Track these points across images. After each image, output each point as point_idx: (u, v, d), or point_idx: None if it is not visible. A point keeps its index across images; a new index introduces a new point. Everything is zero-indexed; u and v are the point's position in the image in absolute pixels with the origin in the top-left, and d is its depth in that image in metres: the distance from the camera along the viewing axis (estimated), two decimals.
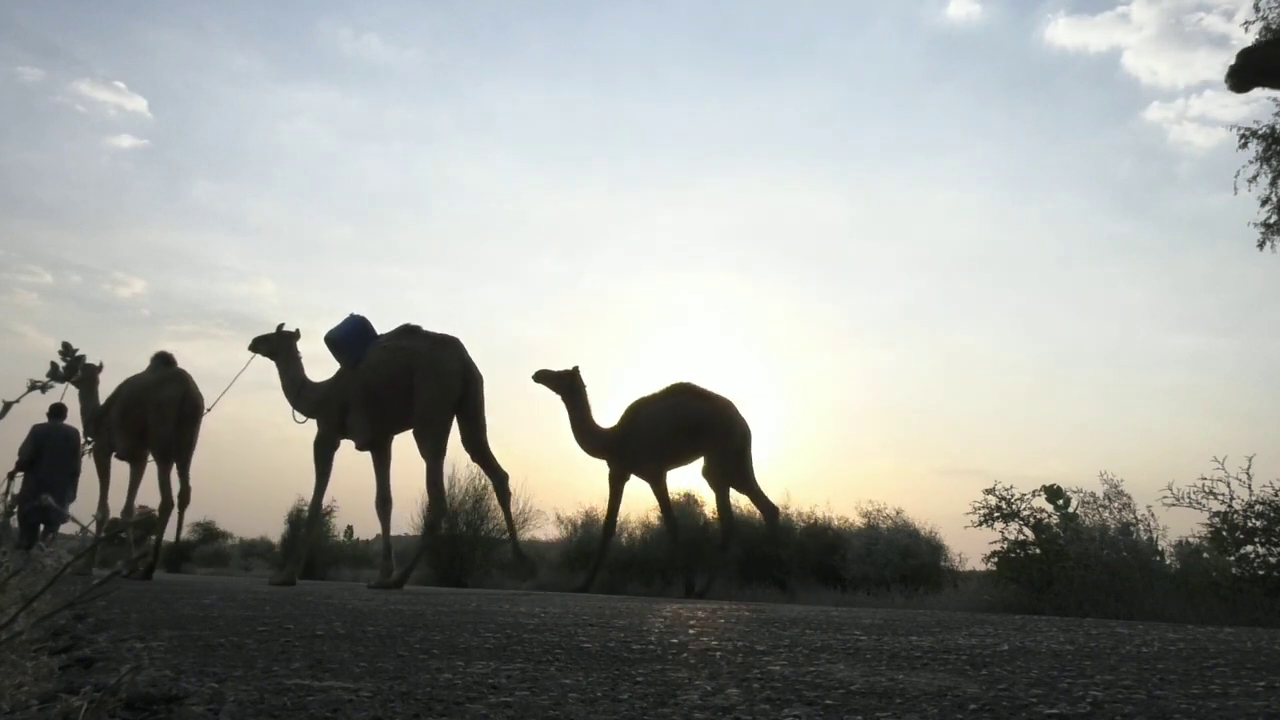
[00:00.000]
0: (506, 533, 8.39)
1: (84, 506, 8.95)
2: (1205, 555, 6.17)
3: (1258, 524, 5.70)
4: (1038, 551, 6.50)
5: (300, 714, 1.28)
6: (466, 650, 2.13)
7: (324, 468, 7.55)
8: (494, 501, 12.37)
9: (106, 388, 9.24)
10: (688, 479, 12.04)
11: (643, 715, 1.35)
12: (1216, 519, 5.87)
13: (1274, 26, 10.06)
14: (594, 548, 11.57)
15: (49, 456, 8.29)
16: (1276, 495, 5.71)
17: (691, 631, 2.80)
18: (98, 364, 8.78)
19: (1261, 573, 5.62)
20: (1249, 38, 10.23)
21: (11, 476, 1.42)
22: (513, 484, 11.83)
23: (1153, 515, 6.47)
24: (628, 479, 8.53)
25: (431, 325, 7.66)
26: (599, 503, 12.46)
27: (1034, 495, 6.71)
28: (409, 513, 12.36)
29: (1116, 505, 6.58)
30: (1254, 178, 10.23)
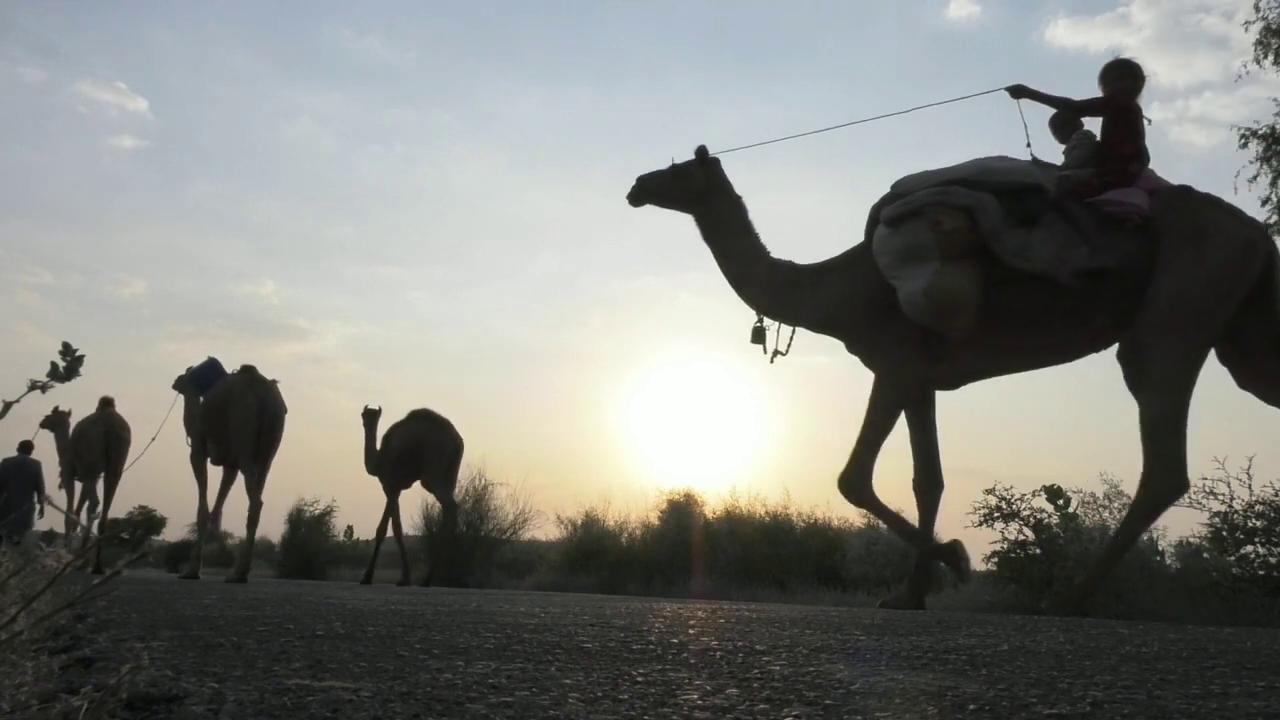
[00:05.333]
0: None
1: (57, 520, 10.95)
2: (1205, 555, 6.17)
3: (1258, 524, 5.70)
4: (1038, 552, 6.50)
5: (300, 714, 1.28)
6: (467, 650, 2.13)
7: (201, 479, 9.18)
8: (495, 502, 12.43)
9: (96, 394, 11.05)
10: (687, 479, 12.04)
11: (643, 715, 1.35)
12: (1216, 519, 5.87)
13: (1274, 26, 10.06)
14: (593, 547, 11.60)
15: (15, 484, 10.27)
16: (1276, 495, 5.70)
17: (691, 631, 2.80)
18: (68, 410, 10.92)
19: (1261, 573, 5.61)
20: (1249, 38, 10.25)
21: None
22: (513, 483, 12.16)
23: None
24: (397, 492, 10.40)
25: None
26: (598, 503, 12.51)
27: (1034, 495, 6.70)
28: (409, 514, 12.37)
29: (1116, 505, 6.57)
30: (1254, 178, 10.21)
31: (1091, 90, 4.87)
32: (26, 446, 10.83)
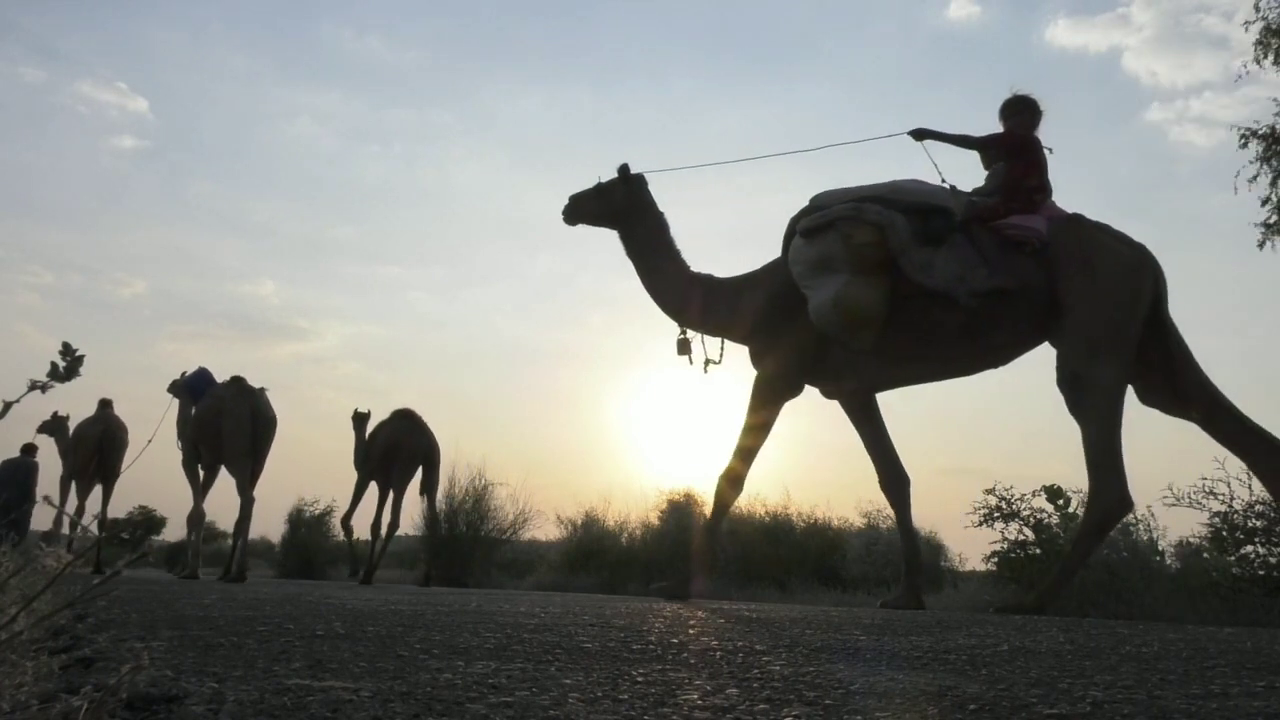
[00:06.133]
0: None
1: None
2: (1205, 555, 6.17)
3: (1258, 524, 5.70)
4: (1038, 552, 6.50)
5: (300, 714, 1.28)
6: (467, 650, 2.13)
7: (193, 482, 9.41)
8: (495, 502, 12.43)
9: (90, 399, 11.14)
10: (687, 479, 12.04)
11: (643, 715, 1.35)
12: (1216, 519, 5.87)
13: (1274, 26, 10.05)
14: (593, 547, 11.60)
15: (8, 483, 10.38)
16: None
17: (691, 631, 2.80)
18: (66, 415, 11.05)
19: (1261, 573, 5.62)
20: (1249, 38, 10.25)
21: None
22: (513, 483, 12.18)
23: (1153, 515, 6.47)
24: (386, 487, 10.41)
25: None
26: (598, 503, 12.50)
27: (1034, 495, 6.70)
28: (409, 513, 12.37)
29: None
30: (1254, 178, 10.20)
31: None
32: (30, 449, 11.00)
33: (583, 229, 5.66)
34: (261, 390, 9.24)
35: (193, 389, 9.46)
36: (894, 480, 5.16)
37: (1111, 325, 4.55)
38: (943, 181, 4.99)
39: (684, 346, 5.34)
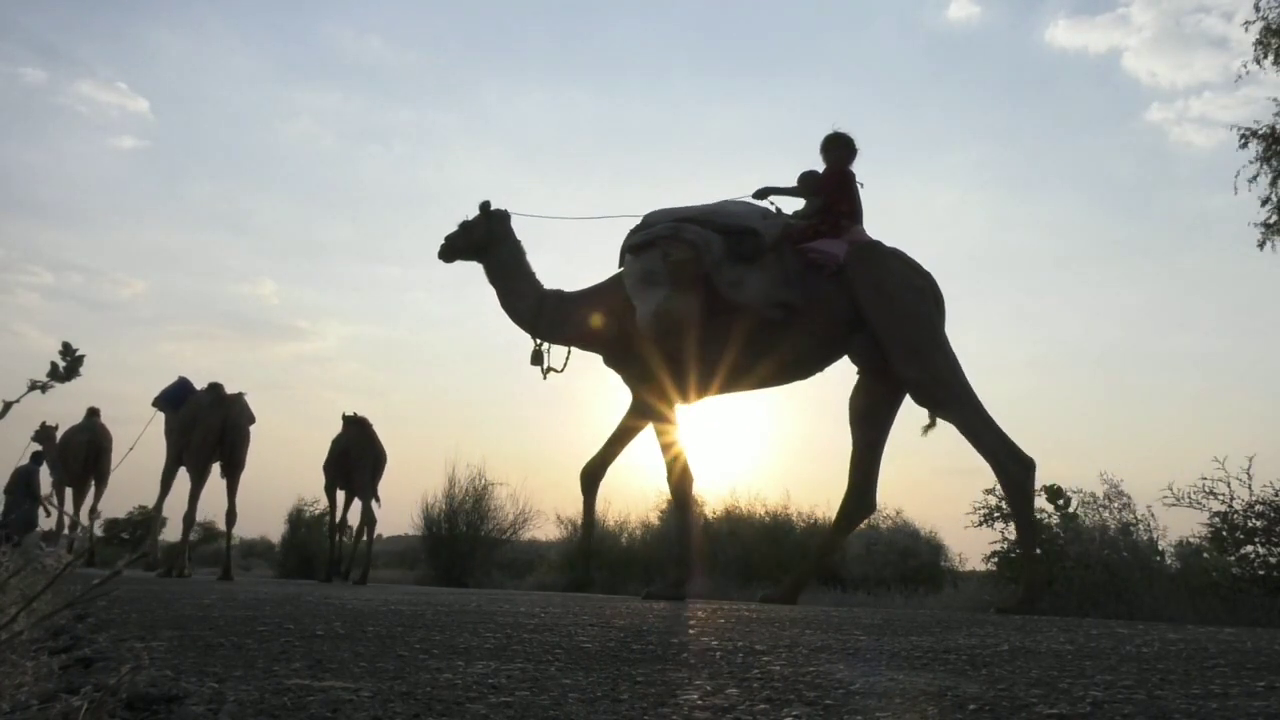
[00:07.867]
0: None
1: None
2: (1205, 555, 6.17)
3: (1258, 524, 5.70)
4: (1038, 551, 6.49)
5: (300, 714, 1.28)
6: (467, 650, 2.13)
7: (165, 487, 9.69)
8: (495, 502, 12.44)
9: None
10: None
11: (643, 715, 1.35)
12: (1216, 519, 5.87)
13: (1274, 26, 10.04)
14: (594, 547, 11.60)
15: (13, 489, 11.16)
16: (1276, 495, 5.70)
17: (691, 631, 2.80)
18: (55, 425, 11.44)
19: (1261, 573, 5.62)
20: (1249, 38, 10.24)
21: None
22: (514, 484, 12.23)
23: (1153, 515, 6.46)
24: (349, 491, 10.60)
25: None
26: (599, 503, 12.47)
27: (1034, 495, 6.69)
28: (410, 513, 12.40)
29: (1116, 505, 6.57)
30: (1254, 178, 10.19)
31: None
32: (38, 457, 11.39)
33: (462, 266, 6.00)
34: (239, 395, 9.36)
35: (173, 399, 9.63)
36: (596, 478, 5.66)
37: (918, 327, 5.01)
38: (775, 211, 5.42)
39: (537, 357, 5.77)
